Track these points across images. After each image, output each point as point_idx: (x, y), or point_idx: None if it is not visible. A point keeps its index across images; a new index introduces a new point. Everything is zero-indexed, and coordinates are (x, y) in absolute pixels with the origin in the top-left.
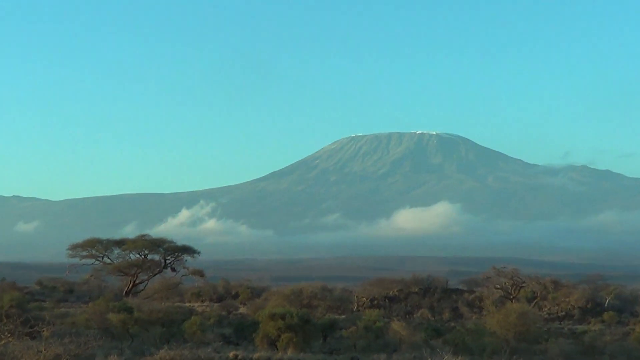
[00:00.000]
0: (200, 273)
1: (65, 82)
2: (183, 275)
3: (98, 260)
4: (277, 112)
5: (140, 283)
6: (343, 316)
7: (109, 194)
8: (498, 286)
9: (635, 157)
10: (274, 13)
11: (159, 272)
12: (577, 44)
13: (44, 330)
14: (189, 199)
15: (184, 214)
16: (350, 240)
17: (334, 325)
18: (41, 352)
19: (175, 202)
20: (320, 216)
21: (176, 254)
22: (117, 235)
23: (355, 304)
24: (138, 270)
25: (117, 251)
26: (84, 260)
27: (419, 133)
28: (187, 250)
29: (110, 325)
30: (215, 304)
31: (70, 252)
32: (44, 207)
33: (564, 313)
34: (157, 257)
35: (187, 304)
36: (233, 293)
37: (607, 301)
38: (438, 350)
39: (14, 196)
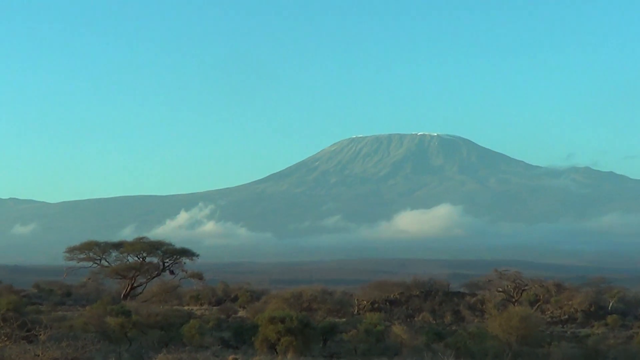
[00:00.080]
0: (199, 276)
1: (62, 83)
2: (181, 278)
3: (96, 263)
4: (277, 113)
5: (139, 286)
6: (343, 319)
7: (106, 196)
8: (500, 289)
9: (639, 158)
10: (273, 13)
11: (157, 275)
12: (579, 44)
13: (41, 334)
14: (188, 201)
15: (183, 217)
16: (350, 242)
17: (334, 328)
18: (38, 356)
19: (173, 204)
20: (320, 218)
21: (175, 256)
22: (115, 237)
23: (356, 307)
24: (136, 273)
25: (115, 254)
26: (81, 263)
27: (420, 134)
28: (186, 252)
29: (108, 328)
30: (214, 307)
31: (67, 254)
32: (41, 209)
33: (566, 316)
34: (155, 260)
35: (186, 307)
36: (232, 296)
37: (611, 304)
38: (439, 354)
39: (10, 198)
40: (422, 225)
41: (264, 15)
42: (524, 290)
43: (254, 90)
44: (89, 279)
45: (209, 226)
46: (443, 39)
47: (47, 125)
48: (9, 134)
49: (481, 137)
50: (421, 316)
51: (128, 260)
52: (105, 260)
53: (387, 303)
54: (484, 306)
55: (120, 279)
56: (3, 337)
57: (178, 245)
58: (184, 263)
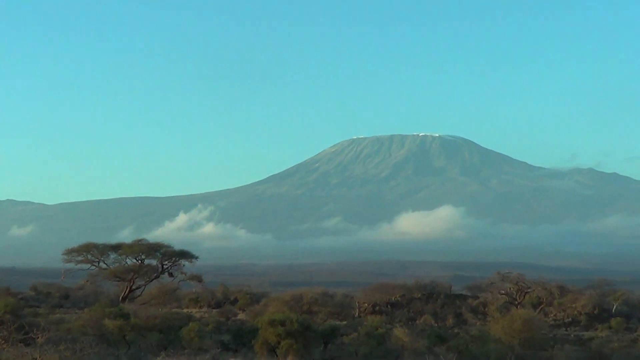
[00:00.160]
0: (198, 278)
1: (60, 84)
2: (181, 281)
3: (94, 265)
4: (277, 114)
5: (137, 288)
6: (344, 322)
7: (105, 197)
8: (503, 292)
9: None
10: (273, 14)
11: (156, 277)
12: (582, 45)
13: (38, 337)
14: (187, 203)
15: (182, 218)
16: (351, 244)
17: (334, 331)
18: (36, 359)
19: (172, 205)
20: (320, 220)
21: (174, 258)
22: (114, 239)
23: (357, 310)
24: (135, 275)
25: (113, 256)
26: (79, 265)
27: (422, 135)
28: (185, 255)
29: (107, 331)
30: (214, 310)
31: (65, 257)
32: (38, 211)
33: (570, 319)
34: (154, 262)
35: (185, 310)
36: (232, 299)
37: (615, 307)
38: (441, 357)
39: (7, 200)
40: (423, 227)
41: (264, 16)
42: (526, 292)
43: (253, 91)
44: (87, 281)
45: (208, 228)
46: (444, 39)
47: (45, 126)
48: (6, 135)
49: (483, 138)
50: (423, 319)
51: (126, 262)
52: (104, 263)
53: (389, 306)
54: (486, 309)
55: (119, 281)
56: (0, 340)
57: (177, 247)
58: (183, 265)
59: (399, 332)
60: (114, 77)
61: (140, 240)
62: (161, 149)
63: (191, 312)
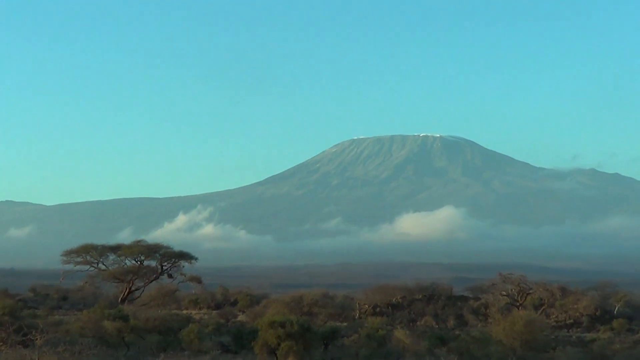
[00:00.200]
0: (197, 280)
1: (60, 84)
2: (180, 282)
3: (93, 266)
4: (277, 114)
5: (136, 290)
6: (345, 324)
7: (103, 198)
8: (504, 293)
9: None
10: (273, 14)
11: (156, 278)
12: (584, 45)
13: (37, 339)
14: (186, 204)
15: (181, 219)
16: (352, 246)
17: (335, 333)
18: None
19: (172, 206)
20: (321, 221)
21: (173, 260)
22: (113, 240)
23: (357, 311)
24: (134, 276)
25: (112, 257)
26: (78, 267)
27: (423, 136)
28: (184, 256)
29: (106, 333)
30: (213, 312)
31: (64, 258)
32: (37, 212)
33: (572, 321)
34: (153, 264)
35: (185, 312)
36: (231, 300)
37: (617, 308)
38: (442, 358)
39: (6, 201)
40: (424, 228)
41: (264, 16)
42: (528, 294)
43: (253, 92)
44: (86, 282)
45: (208, 229)
46: (446, 39)
47: (44, 127)
48: (5, 136)
49: (485, 139)
50: (424, 320)
51: (126, 263)
52: (103, 264)
53: (389, 307)
54: (487, 310)
55: (118, 282)
56: None
57: (176, 249)
58: (183, 266)
59: (400, 334)
60: (113, 78)
61: (139, 241)
62: (161, 149)
63: (191, 313)
